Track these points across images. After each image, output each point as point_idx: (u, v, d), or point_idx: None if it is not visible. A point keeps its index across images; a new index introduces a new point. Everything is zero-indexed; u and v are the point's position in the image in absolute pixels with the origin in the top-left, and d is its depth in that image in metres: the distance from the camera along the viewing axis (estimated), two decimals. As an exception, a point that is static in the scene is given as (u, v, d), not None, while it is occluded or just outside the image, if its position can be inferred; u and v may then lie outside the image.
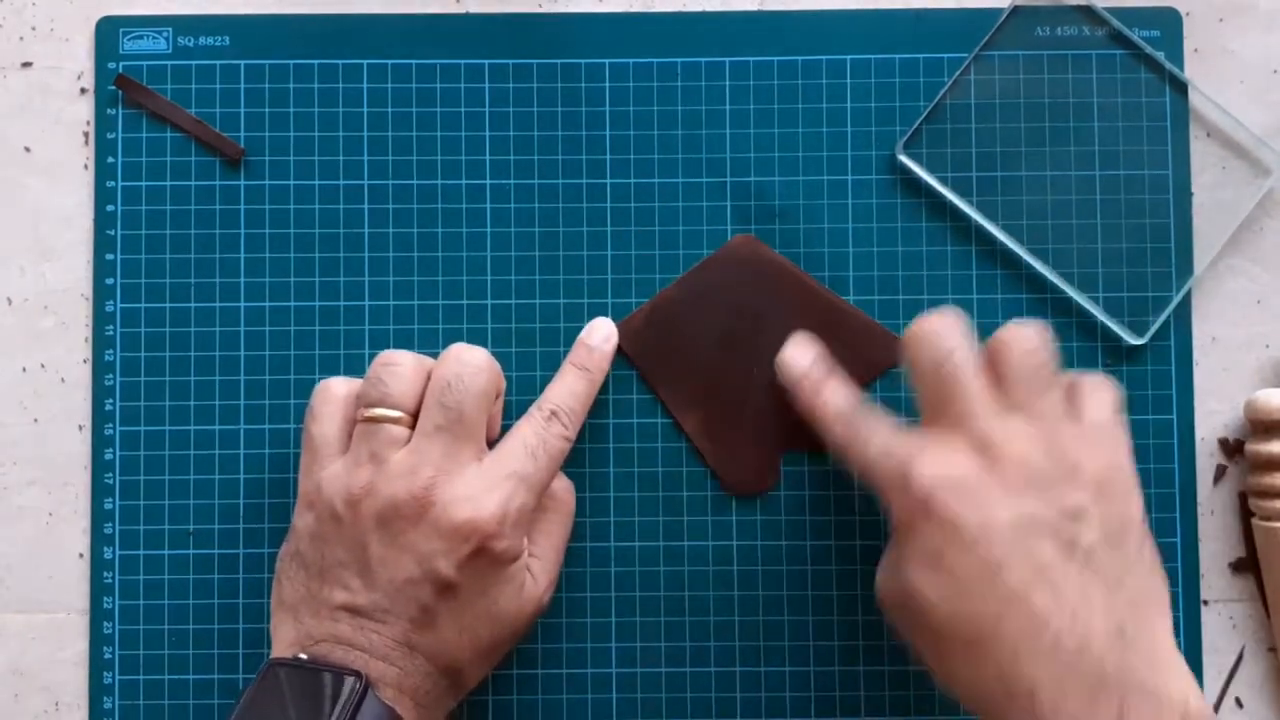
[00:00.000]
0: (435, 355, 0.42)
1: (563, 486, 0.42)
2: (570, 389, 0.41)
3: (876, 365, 0.44)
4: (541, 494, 0.40)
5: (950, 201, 0.44)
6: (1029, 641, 0.33)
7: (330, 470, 0.39)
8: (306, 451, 0.40)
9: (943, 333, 0.37)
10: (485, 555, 0.37)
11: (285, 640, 0.38)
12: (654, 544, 0.44)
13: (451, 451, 0.38)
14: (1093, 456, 0.35)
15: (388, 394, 0.39)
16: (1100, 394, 0.37)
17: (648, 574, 0.43)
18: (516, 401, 0.43)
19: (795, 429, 0.43)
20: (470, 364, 0.39)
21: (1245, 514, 0.44)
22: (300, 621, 0.38)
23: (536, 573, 0.40)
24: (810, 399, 0.40)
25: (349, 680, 0.35)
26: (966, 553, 0.34)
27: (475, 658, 0.38)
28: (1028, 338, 0.37)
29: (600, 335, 0.43)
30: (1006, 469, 0.35)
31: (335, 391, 0.40)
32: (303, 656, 0.36)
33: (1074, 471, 0.35)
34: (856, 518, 0.44)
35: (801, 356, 0.41)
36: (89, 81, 0.45)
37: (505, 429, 0.40)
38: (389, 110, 0.44)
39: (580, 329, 0.44)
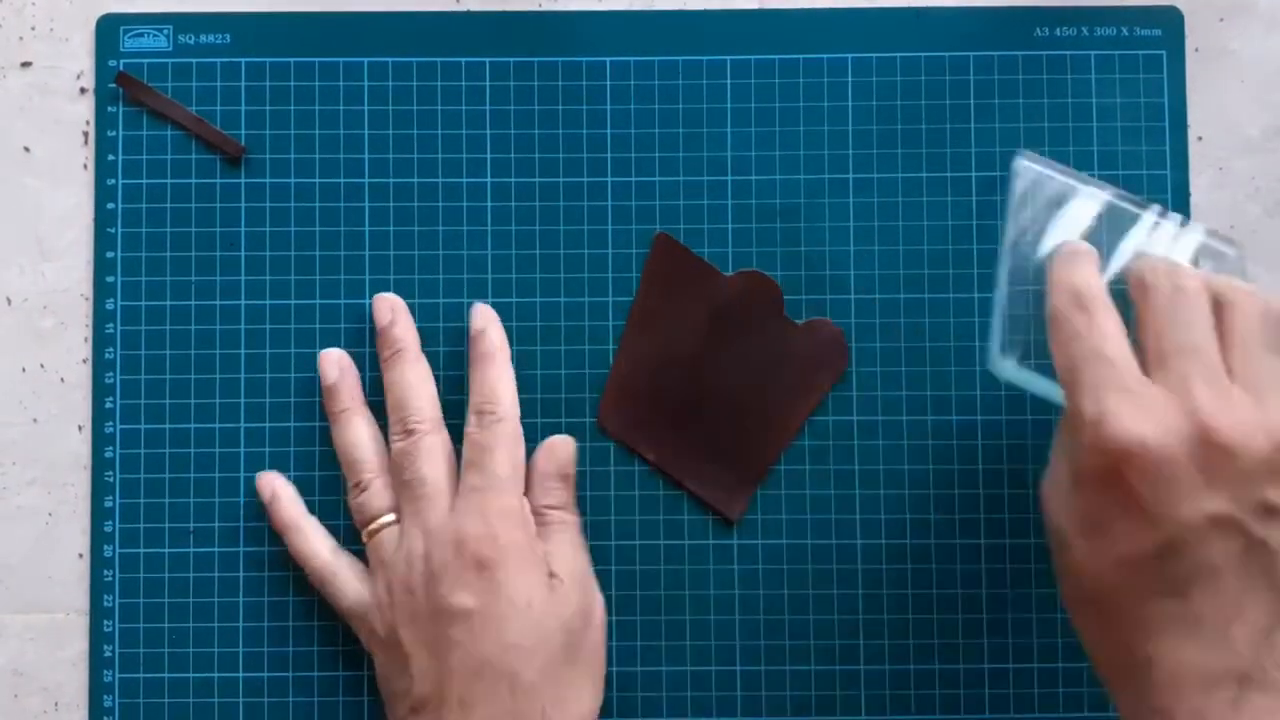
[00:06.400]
0: (436, 353, 0.42)
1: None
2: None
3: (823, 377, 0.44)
4: None
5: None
6: (1168, 626, 0.32)
7: None
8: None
9: (1182, 269, 0.35)
10: None
11: None
12: (655, 543, 0.43)
13: None
14: None
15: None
16: None
17: (648, 572, 0.43)
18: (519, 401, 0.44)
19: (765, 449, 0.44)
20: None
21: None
22: None
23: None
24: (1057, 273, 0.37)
25: None
26: (1138, 531, 0.32)
27: None
28: (1263, 301, 0.34)
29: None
30: (1214, 455, 0.31)
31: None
32: None
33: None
34: (857, 516, 0.44)
35: None
36: (89, 80, 0.45)
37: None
38: (390, 108, 0.44)
39: (581, 328, 0.44)
